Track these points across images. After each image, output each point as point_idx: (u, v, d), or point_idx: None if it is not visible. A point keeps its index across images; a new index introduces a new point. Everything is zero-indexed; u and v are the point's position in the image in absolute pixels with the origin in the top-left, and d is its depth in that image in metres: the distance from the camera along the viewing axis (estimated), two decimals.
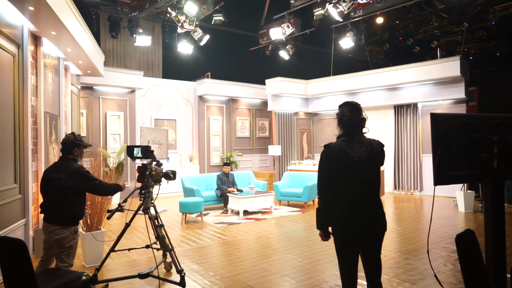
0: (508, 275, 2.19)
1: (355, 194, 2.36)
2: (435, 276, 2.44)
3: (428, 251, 2.40)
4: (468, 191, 7.66)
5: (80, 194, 3.36)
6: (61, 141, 3.53)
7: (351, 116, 2.43)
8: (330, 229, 2.47)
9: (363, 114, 2.48)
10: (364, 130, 2.48)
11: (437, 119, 2.42)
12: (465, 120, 2.53)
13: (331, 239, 2.50)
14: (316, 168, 9.65)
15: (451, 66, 8.88)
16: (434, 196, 2.08)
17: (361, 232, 2.36)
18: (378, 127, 10.95)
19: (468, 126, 2.48)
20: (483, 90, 13.08)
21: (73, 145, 3.38)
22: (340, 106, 2.54)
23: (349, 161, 2.35)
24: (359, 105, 2.51)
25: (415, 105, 10.19)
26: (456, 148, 2.41)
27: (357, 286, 2.45)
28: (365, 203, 2.37)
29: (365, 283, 2.54)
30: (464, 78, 9.03)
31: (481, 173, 2.43)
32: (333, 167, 2.39)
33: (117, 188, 3.51)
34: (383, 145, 2.48)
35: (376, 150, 2.41)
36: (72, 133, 3.45)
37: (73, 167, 3.30)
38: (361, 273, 2.47)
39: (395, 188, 10.52)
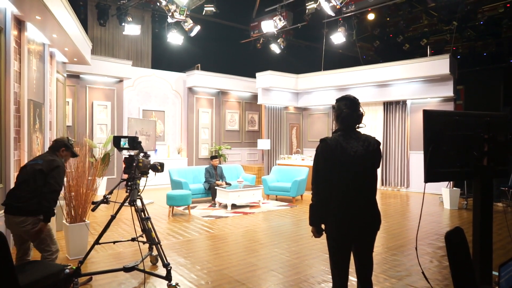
0: (494, 272, 2.22)
1: (350, 190, 2.30)
2: (423, 273, 2.46)
3: (416, 248, 2.40)
4: (454, 188, 7.78)
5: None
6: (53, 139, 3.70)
7: (349, 113, 2.37)
8: (323, 226, 2.40)
9: (361, 109, 2.42)
10: (360, 125, 2.42)
11: (429, 116, 2.40)
12: (457, 118, 2.53)
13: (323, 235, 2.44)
14: (305, 163, 9.78)
15: (440, 64, 8.96)
16: (424, 193, 2.08)
17: (355, 229, 2.31)
18: (367, 123, 10.99)
19: (460, 124, 2.48)
20: (470, 89, 13.27)
21: (62, 145, 3.47)
22: (337, 100, 2.47)
23: (346, 156, 2.29)
24: (357, 100, 2.44)
25: (404, 102, 10.26)
26: (447, 145, 2.40)
27: (348, 285, 2.41)
28: (360, 200, 2.32)
29: (355, 281, 2.51)
30: (453, 76, 9.13)
31: (471, 171, 2.45)
32: (329, 162, 2.32)
33: (50, 210, 3.12)
34: (379, 143, 2.43)
35: (372, 146, 2.37)
36: (67, 137, 3.59)
37: (52, 158, 3.30)
38: (351, 269, 2.45)
39: (382, 184, 10.63)
